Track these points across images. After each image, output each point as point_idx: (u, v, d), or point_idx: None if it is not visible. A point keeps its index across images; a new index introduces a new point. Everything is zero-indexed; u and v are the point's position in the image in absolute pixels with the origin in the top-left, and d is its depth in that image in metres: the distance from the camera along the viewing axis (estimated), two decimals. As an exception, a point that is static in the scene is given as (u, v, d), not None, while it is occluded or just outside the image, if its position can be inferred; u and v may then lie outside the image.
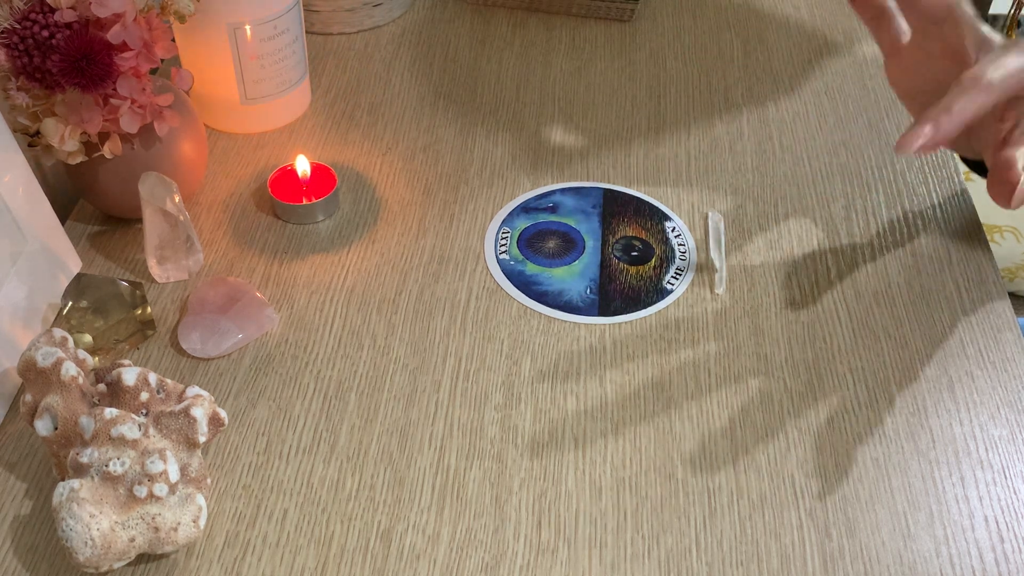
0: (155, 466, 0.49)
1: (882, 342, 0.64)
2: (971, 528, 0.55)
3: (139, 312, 0.62)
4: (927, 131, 0.55)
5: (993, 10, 1.13)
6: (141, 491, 0.49)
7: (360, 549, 0.53)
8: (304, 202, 0.71)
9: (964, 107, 0.55)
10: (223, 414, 0.54)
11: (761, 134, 0.80)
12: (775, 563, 0.53)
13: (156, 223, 0.64)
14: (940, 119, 0.54)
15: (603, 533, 0.54)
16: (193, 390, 0.54)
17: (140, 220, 0.67)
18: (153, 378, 0.53)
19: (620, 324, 0.65)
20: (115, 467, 0.49)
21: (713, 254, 0.69)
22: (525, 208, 0.73)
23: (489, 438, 0.58)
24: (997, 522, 0.55)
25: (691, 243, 0.70)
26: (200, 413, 0.53)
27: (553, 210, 0.73)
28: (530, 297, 0.66)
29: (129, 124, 0.62)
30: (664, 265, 0.69)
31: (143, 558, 0.52)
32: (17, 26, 0.57)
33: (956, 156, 0.74)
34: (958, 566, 0.53)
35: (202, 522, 0.51)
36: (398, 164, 0.77)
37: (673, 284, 0.67)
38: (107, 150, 0.64)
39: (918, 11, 0.60)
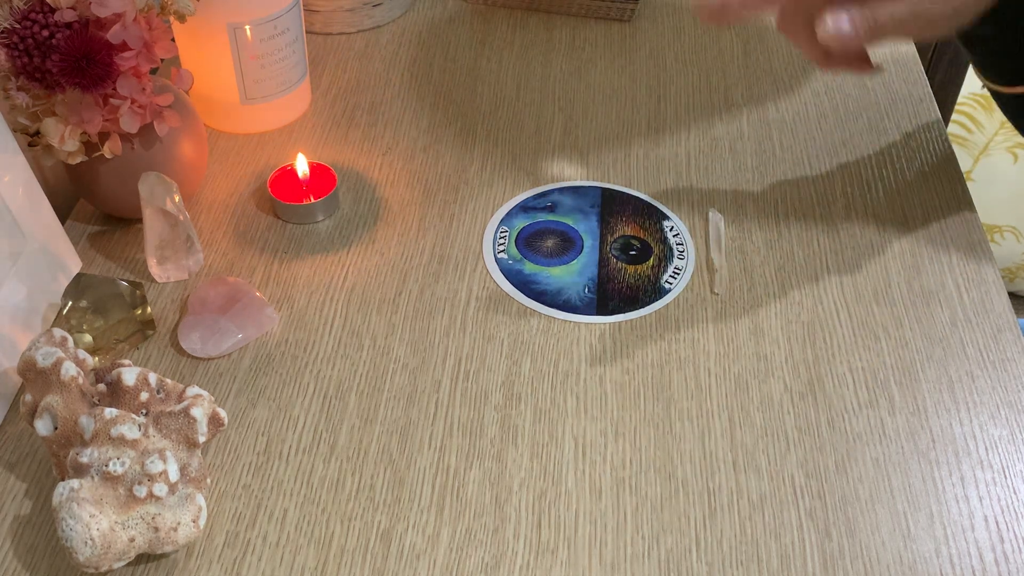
0: (155, 466, 0.49)
1: (882, 342, 0.64)
2: (971, 528, 0.55)
3: (139, 312, 0.62)
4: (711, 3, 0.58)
5: None
6: (141, 491, 0.49)
7: (360, 549, 0.53)
8: (304, 202, 0.71)
9: None
10: (223, 414, 0.54)
11: (761, 134, 0.80)
12: (775, 563, 0.53)
13: (156, 223, 0.64)
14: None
15: (603, 533, 0.54)
16: (193, 390, 0.54)
17: (140, 220, 0.67)
18: (153, 378, 0.53)
19: (620, 324, 0.65)
20: (115, 467, 0.49)
21: (713, 254, 0.69)
22: (523, 207, 0.73)
23: (489, 438, 0.58)
24: (997, 522, 0.55)
25: (690, 242, 0.70)
26: (200, 413, 0.53)
27: (551, 209, 0.73)
28: (528, 296, 0.66)
29: (129, 124, 0.62)
30: (662, 264, 0.69)
31: (143, 558, 0.52)
32: (17, 26, 0.57)
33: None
34: (958, 566, 0.53)
35: (202, 522, 0.51)
36: (398, 164, 0.77)
37: (671, 283, 0.67)
38: (107, 150, 0.64)
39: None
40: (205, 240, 0.70)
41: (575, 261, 0.69)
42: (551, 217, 0.72)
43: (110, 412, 0.50)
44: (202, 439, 0.53)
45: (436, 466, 0.57)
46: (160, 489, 0.49)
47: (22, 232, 0.61)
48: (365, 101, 0.83)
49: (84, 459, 0.50)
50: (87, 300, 0.61)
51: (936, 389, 0.61)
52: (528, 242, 0.70)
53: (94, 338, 0.61)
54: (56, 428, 0.52)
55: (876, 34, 0.57)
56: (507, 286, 0.67)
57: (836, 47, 0.57)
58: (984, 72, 0.66)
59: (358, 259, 0.69)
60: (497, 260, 0.69)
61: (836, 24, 0.56)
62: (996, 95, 0.67)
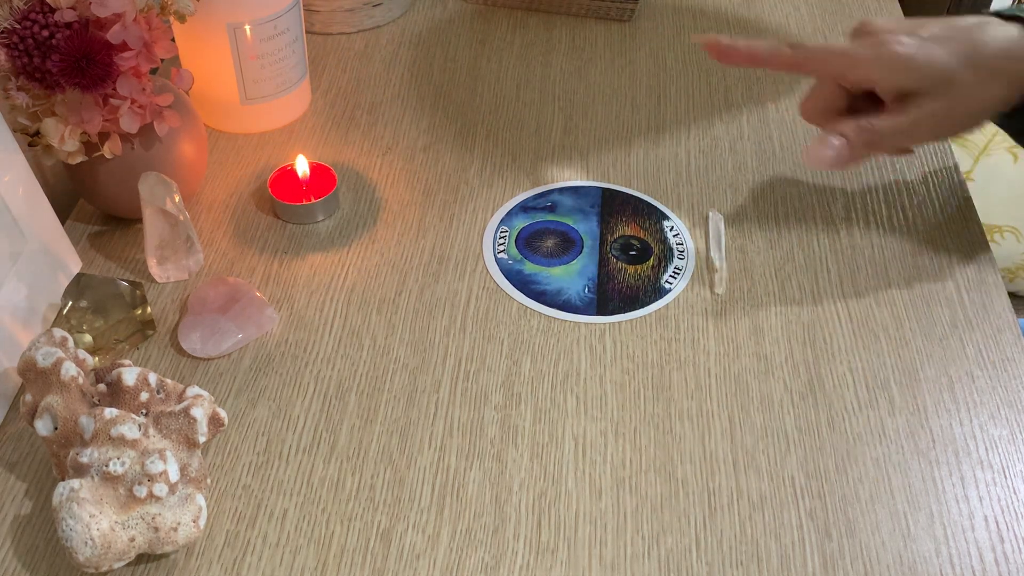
0: (155, 466, 0.49)
1: (882, 342, 0.64)
2: (971, 528, 0.55)
3: (139, 312, 0.62)
4: (722, 39, 0.61)
5: (993, 7, 1.14)
6: (141, 491, 0.49)
7: (360, 549, 0.53)
8: (304, 202, 0.71)
9: (763, 49, 0.61)
10: (223, 414, 0.54)
11: (761, 134, 0.80)
12: (775, 563, 0.53)
13: (156, 223, 0.64)
14: (737, 43, 0.61)
15: (603, 533, 0.54)
16: (193, 390, 0.54)
17: (140, 220, 0.67)
18: (153, 378, 0.53)
19: (620, 324, 0.65)
20: (115, 467, 0.49)
21: (713, 254, 0.69)
22: (524, 207, 0.73)
23: (489, 438, 0.58)
24: (997, 522, 0.55)
25: (690, 242, 0.70)
26: (200, 413, 0.53)
27: (551, 209, 0.73)
28: (528, 296, 0.66)
29: (129, 124, 0.62)
30: (662, 264, 0.69)
31: (143, 558, 0.52)
32: (17, 26, 0.57)
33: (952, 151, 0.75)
34: (958, 566, 0.53)
35: (202, 522, 0.51)
36: (398, 164, 0.77)
37: (671, 283, 0.67)
38: (107, 150, 0.64)
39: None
40: (205, 240, 0.70)
41: (575, 261, 0.69)
42: (551, 217, 0.72)
43: (110, 412, 0.50)
44: (202, 439, 0.53)
45: (436, 466, 0.57)
46: (160, 489, 0.49)
47: (22, 232, 0.61)
48: (365, 101, 0.83)
49: (84, 459, 0.50)
50: (87, 300, 0.61)
51: (936, 389, 0.61)
52: (528, 242, 0.70)
53: (94, 338, 0.61)
54: (56, 428, 0.52)
55: (875, 146, 0.59)
56: (507, 286, 0.67)
57: (835, 166, 0.59)
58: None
59: (358, 259, 0.69)
60: (497, 260, 0.69)
61: (820, 152, 0.59)
62: None
